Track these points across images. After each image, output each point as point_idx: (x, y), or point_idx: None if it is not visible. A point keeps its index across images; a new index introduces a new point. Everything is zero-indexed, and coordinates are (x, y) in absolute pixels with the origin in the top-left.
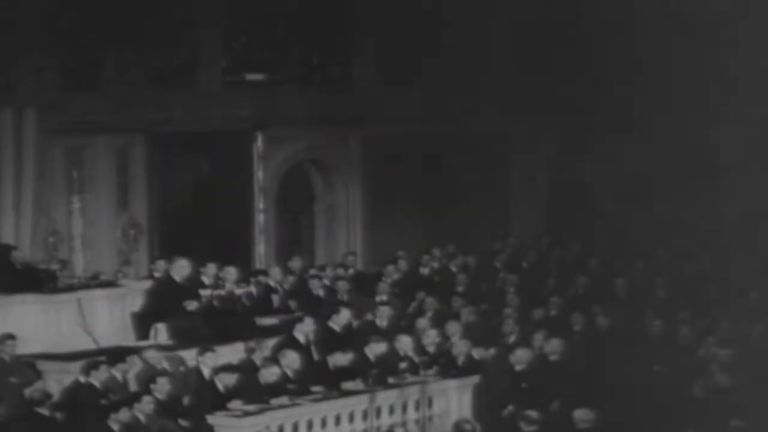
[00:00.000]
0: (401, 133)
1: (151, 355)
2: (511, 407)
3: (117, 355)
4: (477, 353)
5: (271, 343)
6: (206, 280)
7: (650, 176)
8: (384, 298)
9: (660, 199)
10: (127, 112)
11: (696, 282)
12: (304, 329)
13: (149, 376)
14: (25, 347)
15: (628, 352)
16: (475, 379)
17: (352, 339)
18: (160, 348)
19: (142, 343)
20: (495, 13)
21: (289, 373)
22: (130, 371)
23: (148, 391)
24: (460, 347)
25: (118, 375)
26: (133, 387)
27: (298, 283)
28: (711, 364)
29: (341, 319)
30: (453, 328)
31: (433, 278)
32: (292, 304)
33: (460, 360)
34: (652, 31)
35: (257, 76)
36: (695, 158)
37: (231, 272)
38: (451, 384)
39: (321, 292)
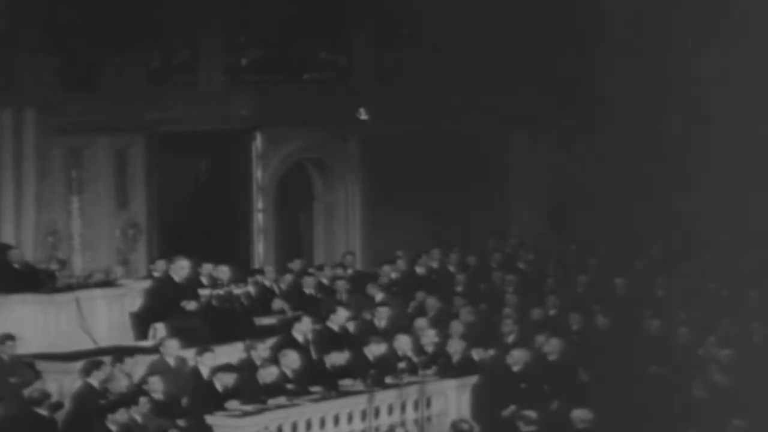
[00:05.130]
0: (401, 133)
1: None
2: (510, 407)
3: (116, 354)
4: (476, 353)
5: (263, 344)
6: (203, 280)
7: (650, 176)
8: (379, 297)
9: (660, 199)
10: (127, 112)
11: (696, 282)
12: (302, 329)
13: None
14: (25, 347)
15: (628, 351)
16: (473, 379)
17: (351, 339)
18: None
19: (142, 343)
20: (494, 13)
21: (288, 373)
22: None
23: (146, 392)
24: (456, 346)
25: (118, 375)
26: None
27: (294, 284)
28: (710, 364)
29: (339, 318)
30: (455, 328)
31: (431, 278)
32: (287, 304)
33: (455, 359)
34: (652, 31)
35: (257, 76)
36: (695, 158)
37: (224, 271)
38: (450, 384)
39: (313, 291)
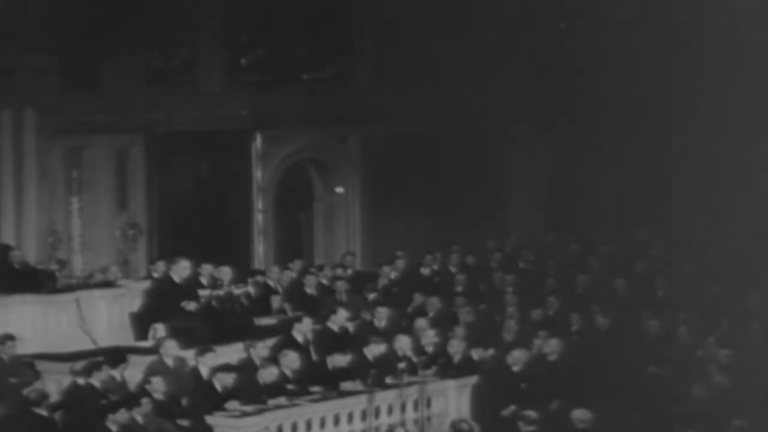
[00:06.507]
0: (401, 133)
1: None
2: (510, 407)
3: (116, 355)
4: (476, 353)
5: (262, 344)
6: (203, 280)
7: (650, 176)
8: (372, 296)
9: (660, 199)
10: (127, 112)
11: (695, 282)
12: (303, 329)
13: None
14: (25, 347)
15: (628, 352)
16: (473, 379)
17: (351, 339)
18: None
19: (141, 344)
20: (494, 13)
21: (288, 373)
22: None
23: (146, 392)
24: (456, 347)
25: (117, 375)
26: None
27: (295, 284)
28: (710, 364)
29: (339, 319)
30: (457, 330)
31: (432, 279)
32: (288, 305)
33: (456, 359)
34: (652, 32)
35: (257, 76)
36: (695, 158)
37: (225, 272)
38: (450, 384)
39: (314, 291)
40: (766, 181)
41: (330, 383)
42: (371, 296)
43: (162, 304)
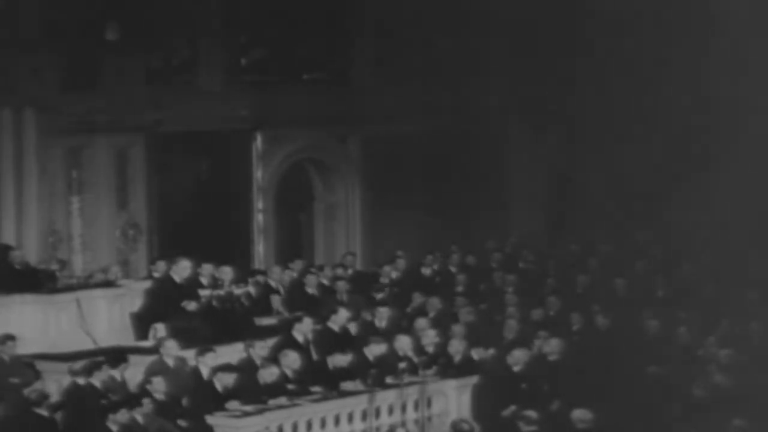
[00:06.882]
0: (401, 133)
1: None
2: (511, 407)
3: (116, 355)
4: (476, 353)
5: (262, 344)
6: (203, 280)
7: (650, 176)
8: (380, 296)
9: (660, 199)
10: (127, 112)
11: (696, 282)
12: (303, 329)
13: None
14: (25, 347)
15: (628, 352)
16: (473, 379)
17: (352, 339)
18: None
19: (142, 344)
20: (494, 13)
21: (289, 373)
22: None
23: (147, 392)
24: (456, 346)
25: (118, 375)
26: (133, 386)
27: (295, 284)
28: (710, 364)
29: (339, 319)
30: (456, 328)
31: (433, 279)
32: (287, 306)
33: (457, 359)
34: (652, 32)
35: (257, 76)
36: (694, 158)
37: (226, 272)
38: (450, 384)
39: (315, 291)
40: (766, 181)
41: (330, 383)
42: (378, 296)
43: (162, 304)
